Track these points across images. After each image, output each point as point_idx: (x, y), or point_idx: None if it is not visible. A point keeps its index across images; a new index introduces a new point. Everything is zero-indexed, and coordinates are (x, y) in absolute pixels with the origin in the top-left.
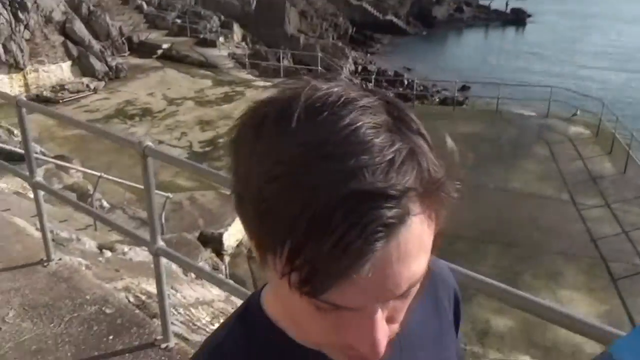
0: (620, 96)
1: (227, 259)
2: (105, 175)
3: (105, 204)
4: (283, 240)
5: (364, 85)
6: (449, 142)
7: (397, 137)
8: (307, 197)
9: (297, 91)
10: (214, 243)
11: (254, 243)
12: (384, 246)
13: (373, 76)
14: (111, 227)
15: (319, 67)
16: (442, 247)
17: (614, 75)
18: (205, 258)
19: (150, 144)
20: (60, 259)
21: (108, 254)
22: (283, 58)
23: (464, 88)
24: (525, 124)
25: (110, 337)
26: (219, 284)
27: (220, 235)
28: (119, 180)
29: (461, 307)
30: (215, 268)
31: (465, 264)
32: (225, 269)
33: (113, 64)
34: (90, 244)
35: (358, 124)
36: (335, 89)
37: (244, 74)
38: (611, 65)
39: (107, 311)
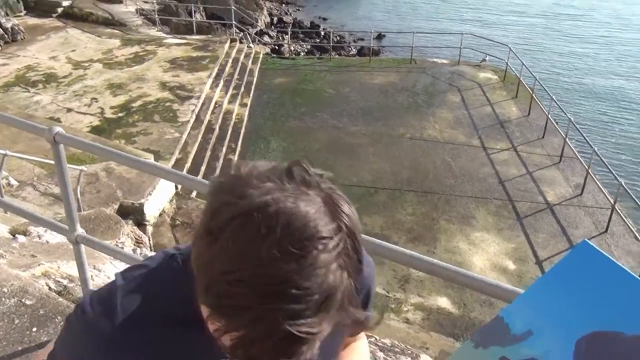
0: (525, 41)
1: (149, 229)
2: (10, 153)
3: (13, 181)
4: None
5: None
6: None
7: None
8: None
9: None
10: (134, 214)
11: None
12: None
13: (289, 28)
14: (25, 218)
15: (234, 22)
16: (363, 198)
17: (520, 20)
18: (126, 232)
19: (61, 129)
20: None
21: (22, 238)
22: (195, 12)
23: (379, 37)
24: (439, 71)
25: (34, 330)
26: None
27: (142, 205)
28: (27, 157)
29: (371, 296)
30: (139, 242)
31: (386, 213)
32: (149, 240)
33: (8, 25)
34: (1, 230)
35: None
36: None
37: (155, 32)
38: (515, 9)
39: (28, 302)
